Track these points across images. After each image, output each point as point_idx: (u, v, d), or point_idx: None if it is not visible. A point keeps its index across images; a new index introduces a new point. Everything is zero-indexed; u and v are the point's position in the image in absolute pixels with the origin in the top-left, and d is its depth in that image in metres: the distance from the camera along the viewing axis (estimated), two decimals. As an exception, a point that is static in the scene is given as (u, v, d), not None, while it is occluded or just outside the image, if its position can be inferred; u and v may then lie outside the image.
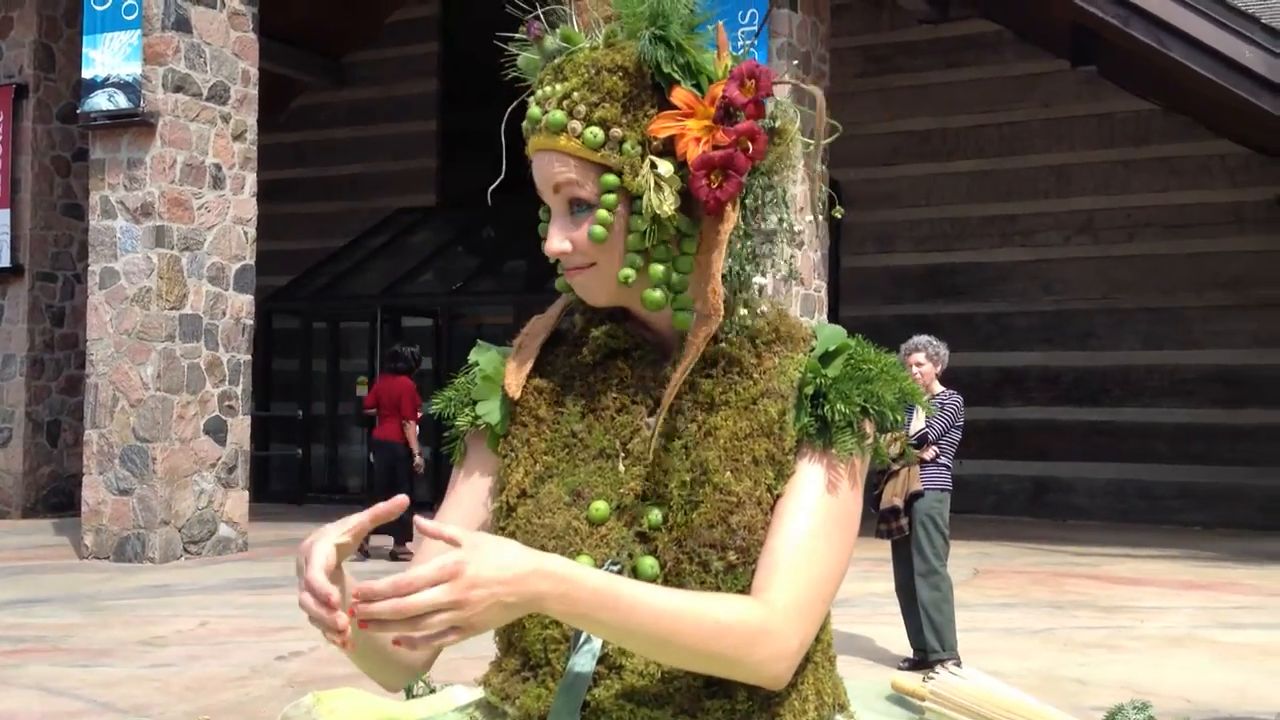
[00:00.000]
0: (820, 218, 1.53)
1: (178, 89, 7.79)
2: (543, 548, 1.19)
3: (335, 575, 1.07)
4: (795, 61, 7.87)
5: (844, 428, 1.21)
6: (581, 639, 1.18)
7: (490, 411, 1.30)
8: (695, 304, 1.21)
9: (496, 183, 1.42)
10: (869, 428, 1.22)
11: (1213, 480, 10.10)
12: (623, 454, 1.24)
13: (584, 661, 1.18)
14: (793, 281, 6.53)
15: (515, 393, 1.28)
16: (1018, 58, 10.75)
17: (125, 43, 7.80)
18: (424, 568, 1.01)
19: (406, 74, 12.83)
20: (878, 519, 4.84)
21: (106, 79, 7.82)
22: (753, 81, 1.22)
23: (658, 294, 1.22)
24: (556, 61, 1.26)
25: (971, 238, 11.05)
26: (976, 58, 10.95)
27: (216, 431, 7.88)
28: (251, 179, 8.25)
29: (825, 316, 8.38)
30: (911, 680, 1.44)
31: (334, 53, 13.25)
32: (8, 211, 9.93)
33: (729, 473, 1.20)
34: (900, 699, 1.40)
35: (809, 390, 1.23)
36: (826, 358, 1.25)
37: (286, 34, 11.65)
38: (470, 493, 1.30)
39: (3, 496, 9.86)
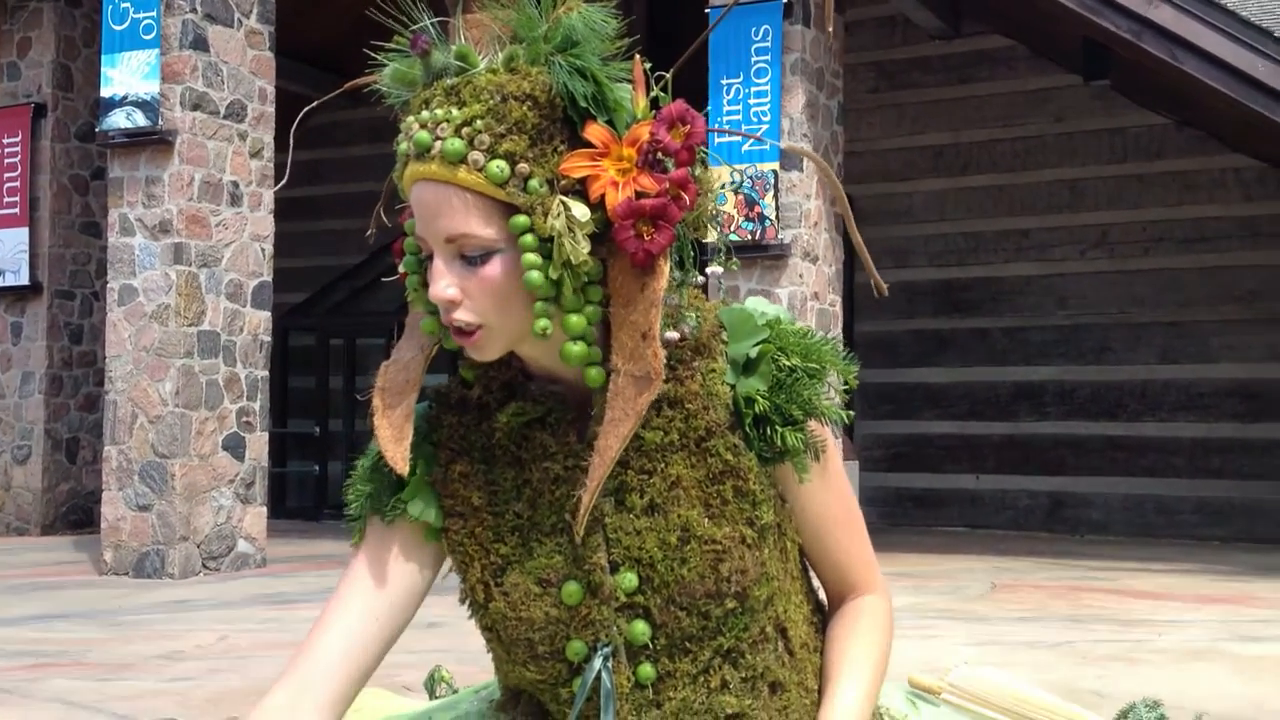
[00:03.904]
0: (877, 284, 1.39)
1: (195, 107, 7.85)
2: (529, 641, 1.17)
3: None
4: (805, 134, 7.90)
5: (799, 452, 1.18)
6: None
7: (424, 510, 1.21)
8: (626, 365, 1.10)
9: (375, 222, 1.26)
10: (817, 429, 1.19)
11: (1231, 494, 10.08)
12: (574, 525, 1.17)
13: None
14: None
15: (403, 469, 1.17)
16: (1031, 72, 10.77)
17: (143, 62, 7.87)
18: None
19: (422, 92, 12.90)
20: None
21: (125, 98, 7.88)
22: (684, 125, 1.10)
23: (578, 348, 1.12)
24: (450, 83, 1.12)
25: (986, 252, 11.05)
26: (989, 73, 10.98)
27: (235, 448, 7.92)
28: (269, 196, 8.31)
29: (840, 331, 8.39)
30: (928, 677, 1.46)
31: (350, 71, 13.32)
32: (26, 230, 10.00)
33: (708, 521, 1.16)
34: (917, 694, 1.42)
35: (749, 416, 1.17)
36: (749, 366, 1.17)
37: (302, 53, 11.73)
38: (370, 587, 1.21)
39: (22, 514, 9.91)
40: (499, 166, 1.09)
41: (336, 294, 12.51)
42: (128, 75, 7.89)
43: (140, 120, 7.81)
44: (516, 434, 1.19)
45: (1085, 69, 9.31)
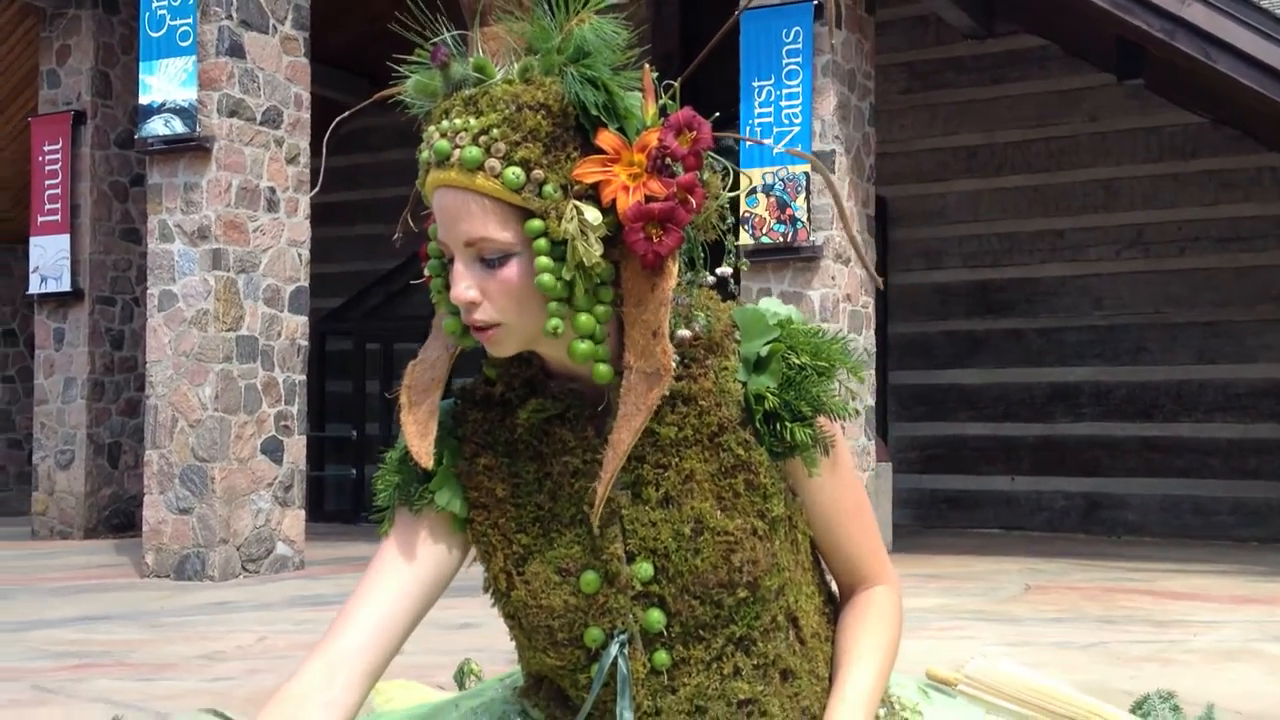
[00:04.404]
0: (873, 274, 1.46)
1: (232, 114, 7.95)
2: (549, 629, 1.22)
3: None
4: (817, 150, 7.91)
5: (808, 447, 1.22)
6: (621, 711, 1.21)
7: (451, 500, 1.26)
8: (638, 363, 1.15)
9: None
10: (826, 425, 1.22)
11: (1268, 495, 10.01)
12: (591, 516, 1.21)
13: None
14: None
15: (427, 462, 1.22)
16: (1064, 72, 10.74)
17: (181, 69, 7.98)
18: None
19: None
20: None
21: (163, 105, 7.99)
22: (691, 132, 1.15)
23: (585, 346, 1.17)
24: (468, 93, 1.17)
25: (1020, 253, 11.02)
26: (1023, 73, 10.95)
27: (273, 451, 8.01)
28: (305, 202, 8.40)
29: (873, 333, 8.40)
30: (946, 669, 1.50)
31: (379, 75, 13.45)
32: (67, 237, 10.14)
33: (720, 513, 1.20)
34: (933, 686, 1.45)
35: (760, 412, 1.21)
36: (760, 364, 1.21)
37: (332, 57, 11.84)
38: (402, 568, 1.26)
39: (65, 518, 10.05)
40: (515, 173, 1.14)
41: (372, 299, 12.61)
42: (165, 82, 7.99)
43: (178, 127, 7.91)
44: (537, 429, 1.24)
45: (1119, 68, 9.26)
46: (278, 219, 8.21)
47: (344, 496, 12.51)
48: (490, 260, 1.16)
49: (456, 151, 1.15)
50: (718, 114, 1.23)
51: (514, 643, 1.29)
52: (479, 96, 1.17)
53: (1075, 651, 5.17)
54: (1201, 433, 10.30)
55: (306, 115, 8.48)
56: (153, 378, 7.90)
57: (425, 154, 1.19)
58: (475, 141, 1.15)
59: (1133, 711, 1.72)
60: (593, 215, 1.14)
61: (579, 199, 1.14)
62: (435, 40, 1.20)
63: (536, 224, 1.14)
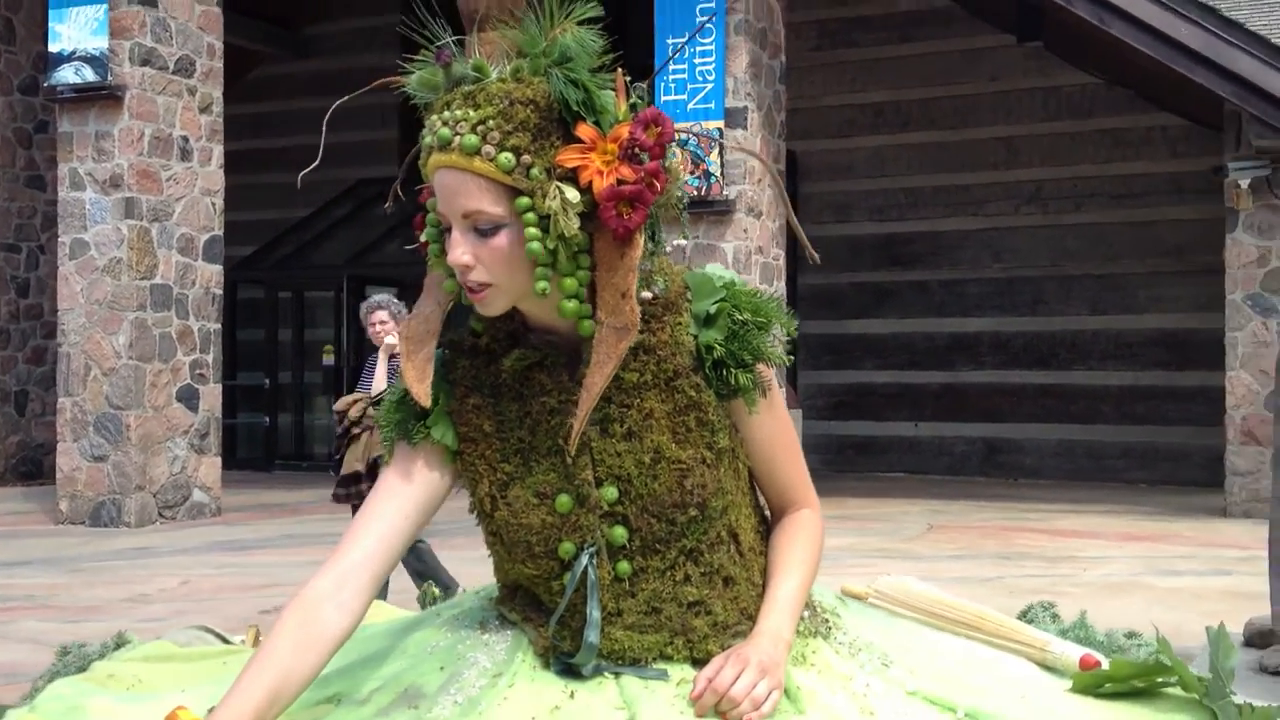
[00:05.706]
0: (810, 252, 1.68)
1: (144, 62, 7.90)
2: (527, 543, 1.43)
3: None
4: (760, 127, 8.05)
5: (750, 389, 1.44)
6: (590, 619, 1.41)
7: (444, 434, 1.45)
8: (609, 319, 1.36)
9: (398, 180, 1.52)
10: (764, 371, 1.46)
11: (1155, 440, 10.46)
12: (566, 448, 1.41)
13: (593, 634, 1.41)
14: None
15: (426, 402, 1.42)
16: (968, 32, 11.00)
17: (91, 17, 7.89)
18: (723, 671, 1.32)
19: (367, 46, 12.92)
20: (336, 483, 4.76)
21: (73, 53, 7.90)
22: (657, 127, 1.36)
23: (573, 305, 1.38)
24: (467, 89, 1.37)
25: (925, 207, 11.32)
26: (929, 32, 11.19)
27: (189, 399, 8.03)
28: (218, 151, 8.38)
29: (784, 284, 8.61)
30: (858, 585, 1.70)
31: (293, 24, 13.31)
32: (-29, 184, 9.98)
33: (675, 445, 1.41)
34: (849, 598, 1.65)
35: (709, 360, 1.43)
36: (709, 320, 1.44)
37: (248, 7, 11.71)
38: (402, 491, 1.45)
39: (-28, 466, 9.96)
40: (507, 158, 1.34)
41: (284, 247, 12.56)
42: (76, 30, 7.90)
43: (89, 75, 7.84)
44: (519, 374, 1.45)
45: (1019, 29, 9.54)
46: (191, 168, 8.19)
47: (257, 444, 12.51)
48: (483, 230, 1.36)
49: (457, 138, 1.35)
50: (678, 129, 1.42)
51: (493, 557, 1.47)
52: (477, 92, 1.36)
53: (974, 585, 5.46)
54: (1094, 380, 10.72)
55: (219, 64, 8.44)
56: (64, 326, 7.87)
57: (429, 139, 1.38)
58: (473, 130, 1.34)
59: (1018, 619, 1.94)
60: (572, 194, 1.34)
61: (561, 180, 1.34)
62: (440, 44, 1.39)
63: (525, 200, 1.34)
